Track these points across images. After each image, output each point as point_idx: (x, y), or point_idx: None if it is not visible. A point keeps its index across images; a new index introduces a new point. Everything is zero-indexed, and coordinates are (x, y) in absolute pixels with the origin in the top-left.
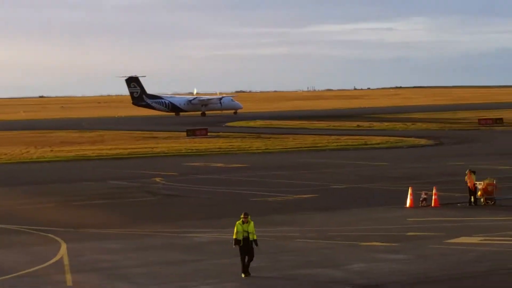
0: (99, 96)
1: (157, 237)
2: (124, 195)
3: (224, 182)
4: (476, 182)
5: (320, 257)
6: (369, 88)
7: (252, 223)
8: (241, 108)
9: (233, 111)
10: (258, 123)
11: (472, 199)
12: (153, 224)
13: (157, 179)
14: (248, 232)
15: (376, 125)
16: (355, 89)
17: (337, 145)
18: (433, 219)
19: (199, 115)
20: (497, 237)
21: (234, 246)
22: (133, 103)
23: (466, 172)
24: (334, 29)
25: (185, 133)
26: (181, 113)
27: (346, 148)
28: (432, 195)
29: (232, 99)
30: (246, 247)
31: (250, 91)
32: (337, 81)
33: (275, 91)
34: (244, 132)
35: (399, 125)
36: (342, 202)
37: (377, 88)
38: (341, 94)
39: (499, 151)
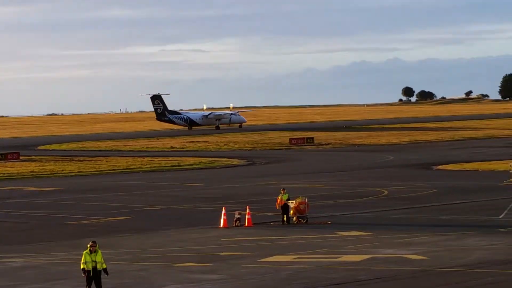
0: None
1: None
2: None
3: (37, 206)
4: (288, 201)
5: (135, 279)
6: (181, 110)
7: (100, 252)
8: (245, 122)
9: (238, 124)
10: (71, 145)
11: (285, 218)
12: None
13: None
14: (96, 262)
15: (190, 146)
16: None
17: (151, 167)
18: (247, 238)
19: (213, 128)
20: (309, 255)
21: (83, 275)
22: (157, 119)
23: (281, 191)
24: (143, 51)
25: None
26: (194, 127)
27: (160, 170)
28: (245, 215)
29: (239, 114)
30: (94, 277)
31: (62, 114)
32: (149, 103)
33: (87, 114)
34: (57, 156)
35: (211, 146)
36: (156, 224)
37: (189, 110)
38: (154, 115)
39: (310, 170)
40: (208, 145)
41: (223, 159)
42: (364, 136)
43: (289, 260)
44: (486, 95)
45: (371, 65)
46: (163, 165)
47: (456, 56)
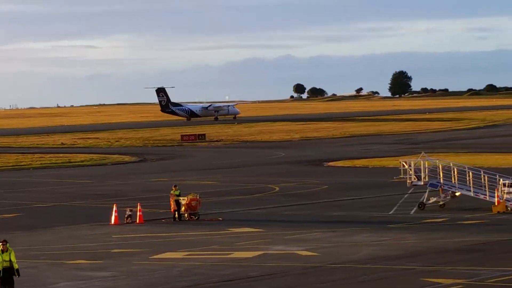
0: None
1: None
2: None
3: None
4: (180, 198)
5: (25, 277)
6: (72, 106)
7: (12, 251)
8: (239, 113)
9: (233, 116)
10: None
11: (176, 215)
12: None
13: None
14: (9, 262)
15: (80, 142)
16: (58, 106)
17: (41, 163)
18: (138, 235)
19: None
20: (200, 251)
21: None
22: (161, 110)
23: (172, 188)
24: (35, 46)
25: None
26: (193, 119)
27: (50, 166)
28: (136, 212)
29: (234, 107)
30: (7, 277)
31: None
32: (40, 99)
33: None
34: None
35: (102, 142)
36: (46, 221)
37: (81, 106)
38: (44, 112)
39: (202, 166)
40: (99, 142)
41: (114, 155)
42: (256, 133)
43: (180, 256)
44: (376, 92)
45: (263, 61)
46: (53, 161)
47: (347, 53)
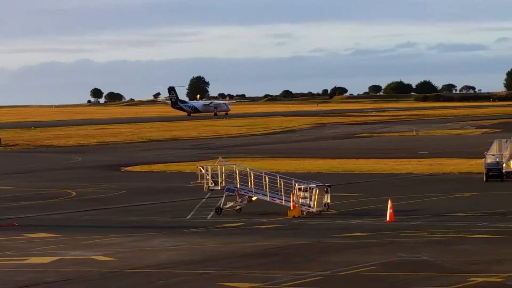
0: None
1: None
2: None
3: None
4: None
5: None
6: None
7: None
8: (230, 110)
9: (225, 112)
10: None
11: None
12: None
13: None
14: None
15: None
16: None
17: None
18: None
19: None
20: None
21: None
22: (172, 107)
23: None
24: None
25: None
26: (193, 114)
27: None
28: None
29: (228, 105)
30: None
31: None
32: None
33: None
34: None
35: None
36: None
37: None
38: None
39: None
40: None
41: None
42: (52, 137)
43: None
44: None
45: (61, 66)
46: None
47: (145, 58)
